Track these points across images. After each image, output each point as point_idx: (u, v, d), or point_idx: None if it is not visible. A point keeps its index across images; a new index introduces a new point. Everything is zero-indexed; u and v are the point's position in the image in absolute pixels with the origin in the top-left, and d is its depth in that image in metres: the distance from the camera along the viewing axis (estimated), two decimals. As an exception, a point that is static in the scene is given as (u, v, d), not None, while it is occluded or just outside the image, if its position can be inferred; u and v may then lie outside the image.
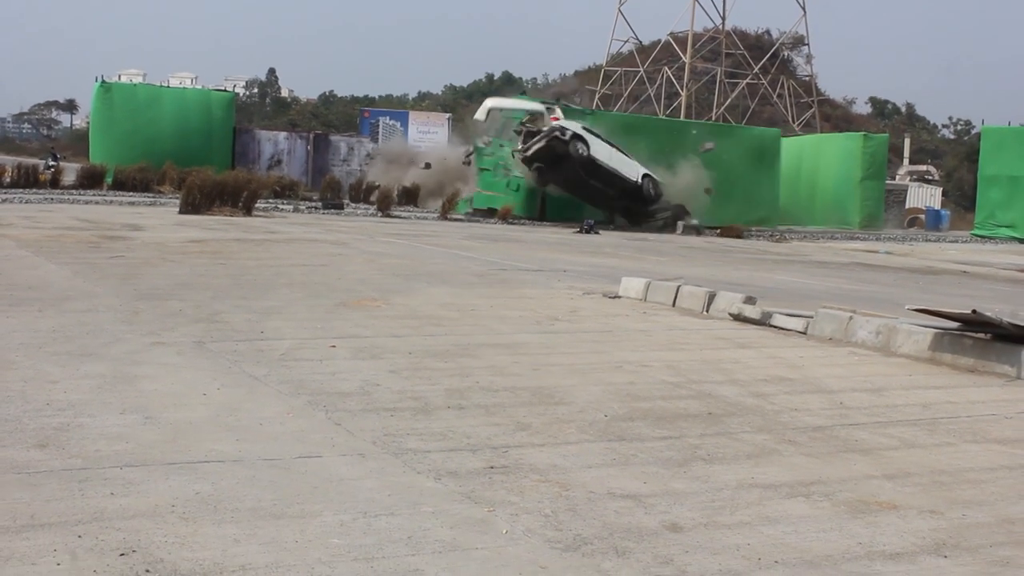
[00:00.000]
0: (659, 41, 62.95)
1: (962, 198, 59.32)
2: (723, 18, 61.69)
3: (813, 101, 64.98)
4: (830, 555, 5.38)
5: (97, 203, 34.01)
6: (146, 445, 6.75)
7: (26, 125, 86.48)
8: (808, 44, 67.15)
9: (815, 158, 47.15)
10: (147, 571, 4.74)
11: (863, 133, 50.18)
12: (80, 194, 38.10)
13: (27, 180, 40.51)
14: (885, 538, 5.68)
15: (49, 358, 9.15)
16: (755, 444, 7.46)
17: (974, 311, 10.45)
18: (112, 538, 5.12)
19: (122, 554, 4.91)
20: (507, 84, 51.74)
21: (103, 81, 51.48)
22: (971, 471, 7.07)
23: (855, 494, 6.43)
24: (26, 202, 33.34)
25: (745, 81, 60.07)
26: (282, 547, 5.11)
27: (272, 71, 64.28)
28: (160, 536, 5.16)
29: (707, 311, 13.07)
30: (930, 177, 64.08)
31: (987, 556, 5.43)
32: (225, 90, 54.04)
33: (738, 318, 12.56)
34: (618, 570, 5.03)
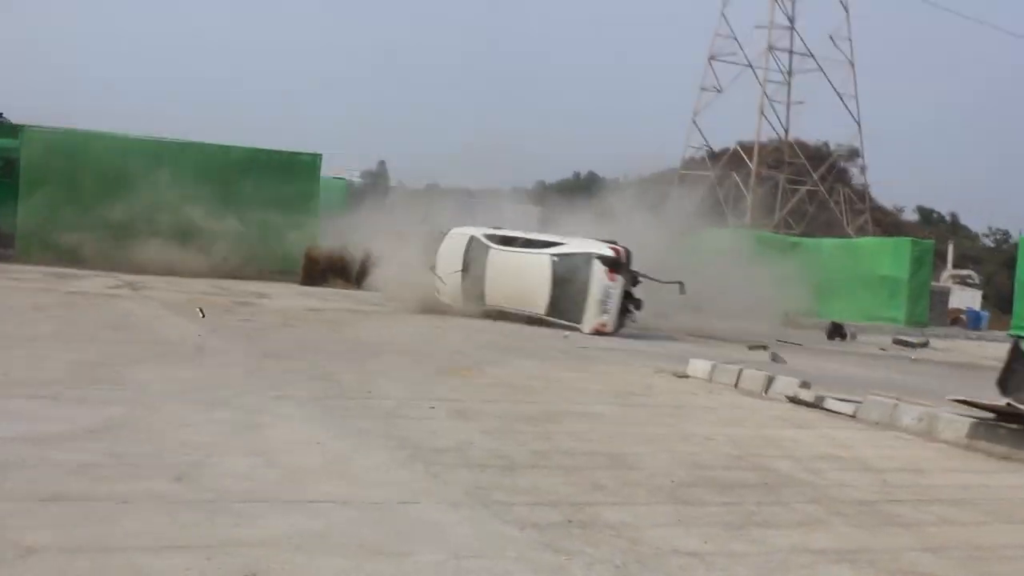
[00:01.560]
0: (728, 149, 62.98)
1: (1000, 301, 58.36)
2: (786, 130, 61.77)
3: (866, 208, 64.53)
4: (870, 614, 5.35)
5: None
6: (267, 484, 6.85)
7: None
8: (862, 156, 66.84)
9: (868, 259, 46.76)
10: (266, 593, 4.84)
11: (911, 239, 49.61)
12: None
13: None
14: (921, 602, 5.63)
15: (186, 404, 9.32)
16: (806, 513, 7.40)
17: (1009, 403, 10.32)
18: (236, 562, 5.21)
19: (245, 577, 5.01)
20: (592, 183, 51.92)
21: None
22: (1005, 548, 6.96)
23: (897, 564, 6.35)
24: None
25: (805, 188, 59.86)
26: (383, 580, 5.18)
27: (383, 163, 65.12)
28: (277, 564, 5.25)
29: (766, 393, 13.00)
30: (971, 281, 63.20)
31: (1014, 623, 5.36)
32: (342, 178, 54.67)
33: (794, 400, 12.47)
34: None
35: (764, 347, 20.28)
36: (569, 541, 6.15)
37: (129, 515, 5.89)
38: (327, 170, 53.78)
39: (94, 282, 22.20)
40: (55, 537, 5.37)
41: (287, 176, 33.85)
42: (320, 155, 35.45)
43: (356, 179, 57.92)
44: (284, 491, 6.72)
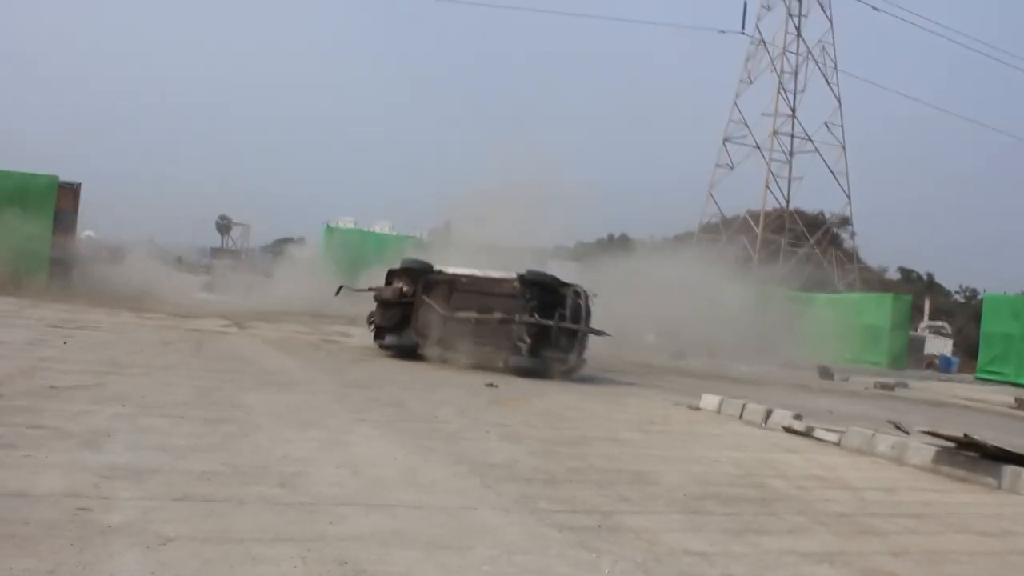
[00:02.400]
0: (738, 217, 62.96)
1: (969, 348, 57.54)
2: (787, 201, 61.67)
3: (855, 267, 64.16)
4: (843, 606, 5.51)
5: (318, 316, 34.59)
6: (353, 491, 7.10)
7: (269, 254, 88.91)
8: (851, 223, 66.49)
9: (855, 311, 46.63)
10: (355, 577, 5.09)
11: (892, 294, 49.28)
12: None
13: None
14: (886, 598, 5.79)
15: (285, 425, 9.56)
16: (795, 523, 7.54)
17: (965, 435, 10.43)
18: (331, 553, 5.47)
19: (338, 564, 5.27)
20: (624, 241, 52.28)
21: (328, 225, 53.00)
22: (956, 553, 7.08)
23: (868, 564, 6.50)
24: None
25: (803, 250, 59.63)
26: (448, 569, 5.41)
27: (447, 224, 65.64)
28: (364, 555, 5.50)
29: (765, 423, 13.10)
30: (944, 331, 62.39)
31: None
32: (414, 236, 54.98)
33: (788, 430, 12.57)
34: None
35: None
36: (599, 542, 6.36)
37: (244, 513, 6.17)
38: (404, 230, 54.02)
39: (209, 321, 22.50)
40: (187, 529, 5.65)
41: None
42: (57, 177, 31.42)
43: (424, 238, 58.18)
44: (367, 497, 6.97)
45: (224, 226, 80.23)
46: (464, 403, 12.68)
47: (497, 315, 17.20)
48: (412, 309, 18.33)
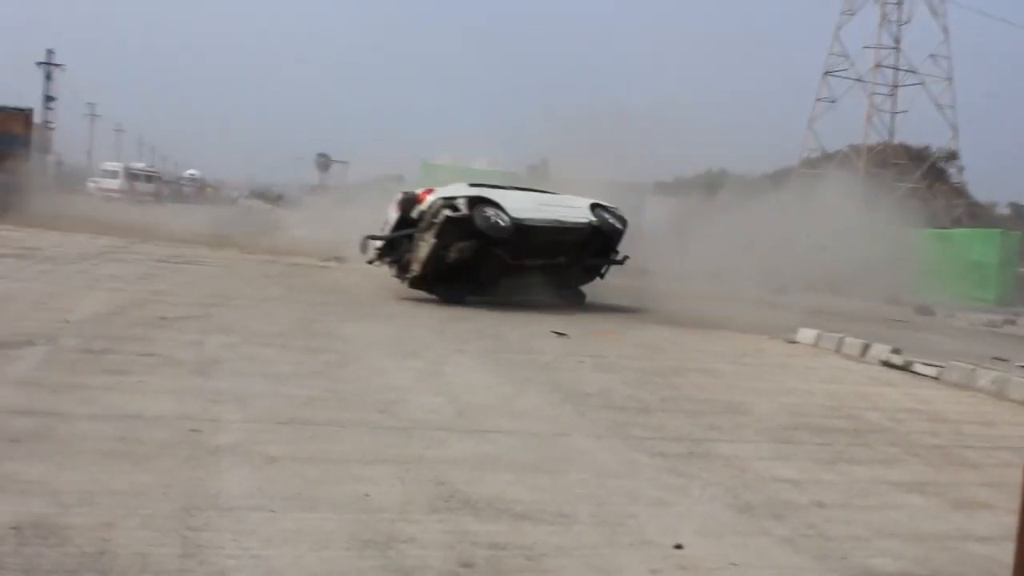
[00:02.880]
0: (840, 151, 61.55)
1: (1082, 285, 55.72)
2: (891, 134, 60.13)
3: (962, 203, 62.45)
4: (934, 534, 5.54)
5: None
6: (449, 417, 7.31)
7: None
8: (959, 158, 64.56)
9: (962, 247, 45.44)
10: (451, 497, 5.28)
11: (1000, 230, 47.83)
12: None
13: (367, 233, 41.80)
14: (978, 527, 5.78)
15: (384, 355, 9.84)
16: (887, 454, 7.55)
17: None
18: (427, 474, 5.68)
19: (434, 485, 5.48)
20: (723, 177, 51.44)
21: (424, 162, 53.36)
22: (1054, 487, 7.04)
23: (960, 494, 6.50)
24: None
25: (907, 186, 58.17)
26: (541, 491, 5.58)
27: (545, 160, 65.15)
28: (459, 476, 5.70)
29: (862, 357, 12.98)
30: (1055, 267, 60.47)
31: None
32: (512, 172, 54.98)
33: (886, 364, 12.45)
34: (775, 528, 5.33)
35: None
36: (689, 468, 6.47)
37: (345, 437, 6.42)
38: (500, 165, 54.04)
39: (307, 257, 22.89)
40: (291, 450, 5.91)
41: None
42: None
43: (522, 173, 58.00)
44: (463, 423, 7.17)
45: (323, 163, 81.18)
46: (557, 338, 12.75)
47: (562, 260, 16.44)
48: (477, 262, 15.58)
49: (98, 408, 6.49)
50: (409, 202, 15.87)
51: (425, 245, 15.13)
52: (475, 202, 15.37)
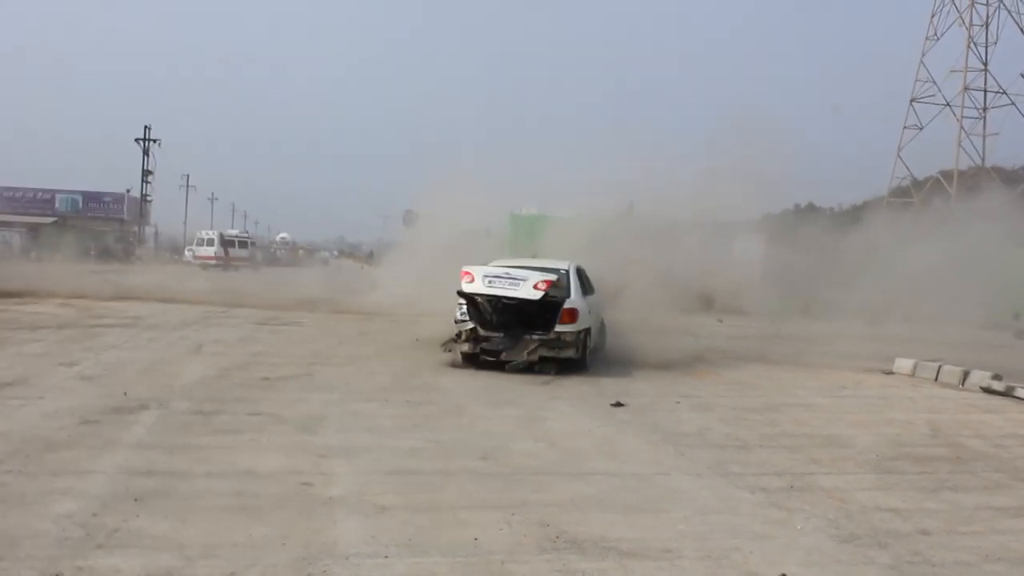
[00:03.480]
0: (930, 178, 60.49)
1: None
2: (983, 158, 58.91)
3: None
4: (1045, 558, 5.50)
5: None
6: (551, 462, 7.44)
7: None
8: (1057, 178, 62.91)
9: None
10: (557, 537, 5.42)
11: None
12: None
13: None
14: (1091, 549, 5.72)
15: (483, 404, 10.00)
16: (992, 480, 7.48)
17: None
18: (533, 517, 5.82)
19: (540, 527, 5.61)
20: (811, 211, 50.70)
21: (512, 213, 53.82)
22: None
23: (1071, 519, 6.43)
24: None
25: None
26: (644, 529, 5.68)
27: (631, 204, 64.92)
28: (564, 518, 5.83)
29: (962, 385, 12.80)
30: None
31: None
32: (595, 218, 55.03)
33: (987, 391, 12.27)
34: (879, 556, 5.35)
35: None
36: (790, 501, 6.51)
37: (450, 484, 6.59)
38: (584, 212, 54.19)
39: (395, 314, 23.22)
40: (400, 499, 6.10)
41: None
42: None
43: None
44: (565, 466, 7.30)
45: (410, 219, 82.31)
46: (656, 377, 12.77)
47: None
48: None
49: (213, 466, 6.76)
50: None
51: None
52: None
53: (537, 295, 13.05)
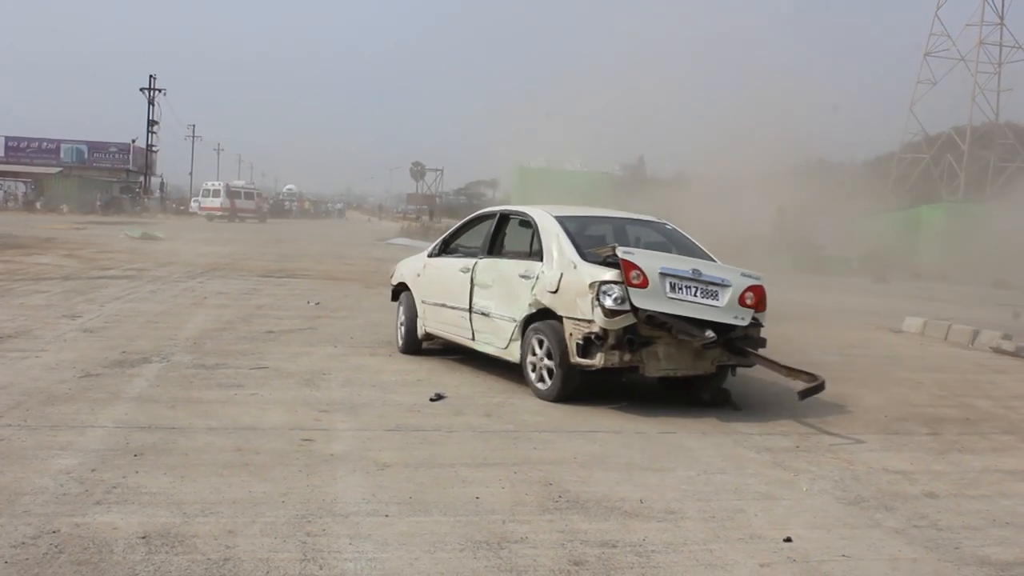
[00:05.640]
0: (942, 134, 59.91)
1: None
2: (996, 114, 58.27)
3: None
4: (1053, 521, 5.45)
5: None
6: (555, 419, 7.39)
7: (462, 197, 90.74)
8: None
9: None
10: (559, 496, 5.37)
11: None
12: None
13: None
14: (1100, 512, 5.67)
15: (492, 360, 9.91)
16: (1000, 442, 7.42)
17: None
18: (535, 475, 5.78)
19: (542, 486, 5.57)
20: (822, 164, 50.08)
21: (519, 166, 53.61)
22: None
23: (1080, 481, 6.37)
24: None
25: (1015, 165, 56.36)
26: (648, 488, 5.63)
27: (641, 158, 64.29)
28: (567, 476, 5.79)
29: (972, 344, 12.73)
30: None
31: None
32: (606, 172, 54.78)
33: (997, 350, 12.20)
34: (886, 519, 5.30)
35: None
36: (796, 462, 6.46)
37: (453, 441, 6.56)
38: (593, 166, 53.98)
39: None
40: (401, 456, 6.06)
41: None
42: None
43: (617, 172, 57.78)
44: (568, 424, 7.25)
45: (417, 172, 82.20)
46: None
47: None
48: None
49: (214, 421, 6.73)
50: None
51: None
52: None
53: (744, 319, 8.06)
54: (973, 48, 57.65)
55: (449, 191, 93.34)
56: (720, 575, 4.33)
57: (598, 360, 7.66)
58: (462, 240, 10.15)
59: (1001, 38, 57.82)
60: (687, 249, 8.75)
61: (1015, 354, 11.90)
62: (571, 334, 7.82)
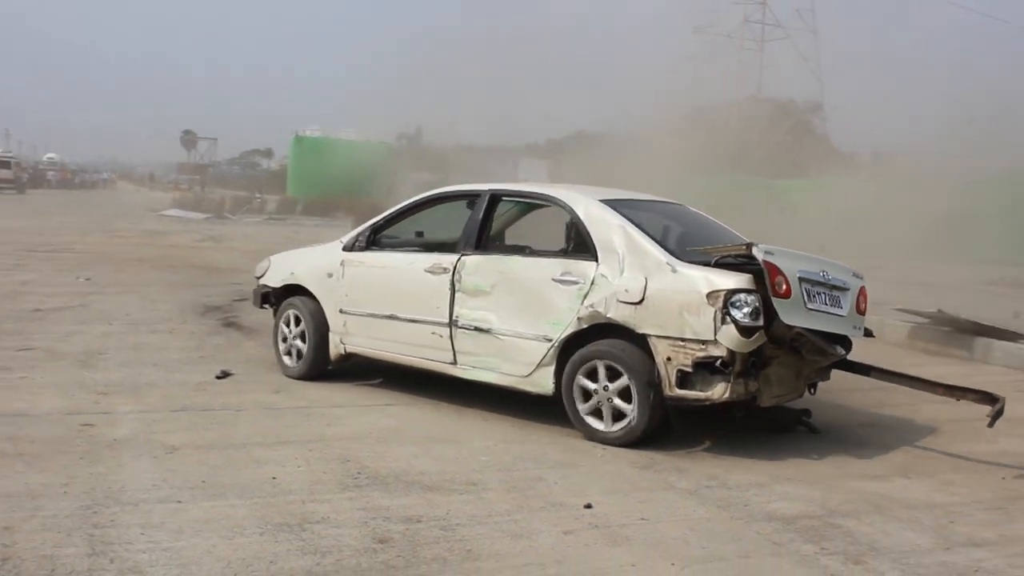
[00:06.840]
0: (704, 107, 62.54)
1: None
2: (759, 90, 61.39)
3: (828, 153, 64.18)
4: (830, 475, 5.74)
5: (290, 225, 33.99)
6: (348, 395, 7.28)
7: (236, 167, 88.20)
8: (824, 110, 66.23)
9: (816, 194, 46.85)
10: (358, 473, 5.27)
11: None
12: (280, 218, 38.22)
13: (241, 209, 41.29)
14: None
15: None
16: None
17: (939, 310, 10.71)
18: (332, 452, 5.66)
19: (340, 463, 5.46)
20: (593, 136, 51.48)
21: (296, 135, 52.57)
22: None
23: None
24: (245, 224, 34.00)
25: (775, 139, 59.42)
26: (447, 461, 5.61)
27: (419, 128, 64.03)
28: (364, 452, 5.69)
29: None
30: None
31: None
32: (383, 142, 54.39)
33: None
34: (679, 481, 5.46)
35: None
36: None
37: (243, 420, 6.35)
38: (369, 135, 53.49)
39: (185, 237, 22.44)
40: (190, 438, 5.82)
41: None
42: None
43: (393, 144, 57.51)
44: (362, 399, 7.15)
45: (189, 140, 79.19)
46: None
47: None
48: None
49: (-19, 408, 6.28)
50: None
51: None
52: None
53: (860, 329, 6.84)
54: (738, 26, 60.54)
55: (222, 160, 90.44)
56: (525, 544, 4.34)
57: (717, 392, 5.91)
58: (403, 229, 7.87)
59: (763, 17, 60.97)
60: (714, 235, 7.11)
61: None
62: (668, 359, 6.01)
